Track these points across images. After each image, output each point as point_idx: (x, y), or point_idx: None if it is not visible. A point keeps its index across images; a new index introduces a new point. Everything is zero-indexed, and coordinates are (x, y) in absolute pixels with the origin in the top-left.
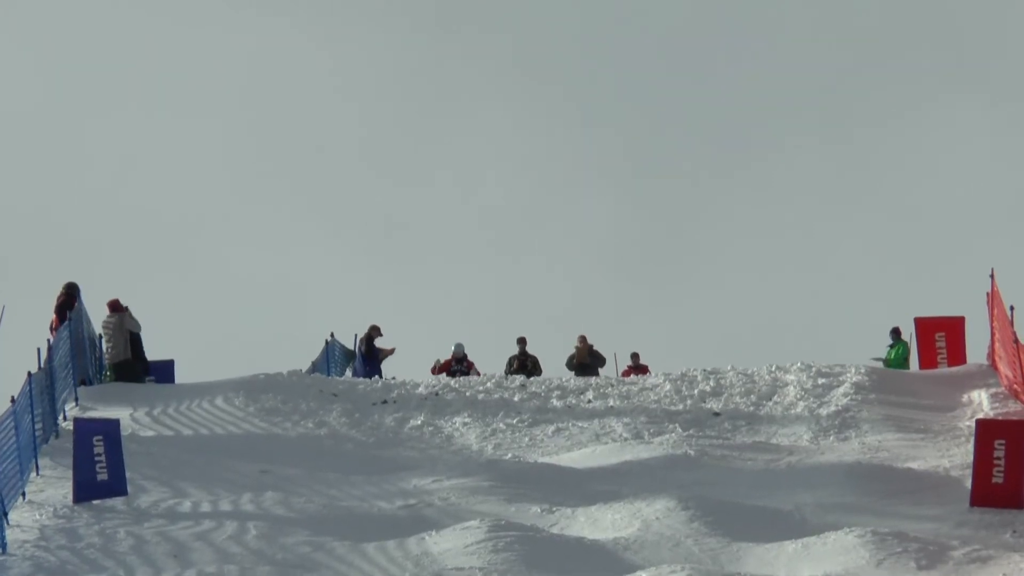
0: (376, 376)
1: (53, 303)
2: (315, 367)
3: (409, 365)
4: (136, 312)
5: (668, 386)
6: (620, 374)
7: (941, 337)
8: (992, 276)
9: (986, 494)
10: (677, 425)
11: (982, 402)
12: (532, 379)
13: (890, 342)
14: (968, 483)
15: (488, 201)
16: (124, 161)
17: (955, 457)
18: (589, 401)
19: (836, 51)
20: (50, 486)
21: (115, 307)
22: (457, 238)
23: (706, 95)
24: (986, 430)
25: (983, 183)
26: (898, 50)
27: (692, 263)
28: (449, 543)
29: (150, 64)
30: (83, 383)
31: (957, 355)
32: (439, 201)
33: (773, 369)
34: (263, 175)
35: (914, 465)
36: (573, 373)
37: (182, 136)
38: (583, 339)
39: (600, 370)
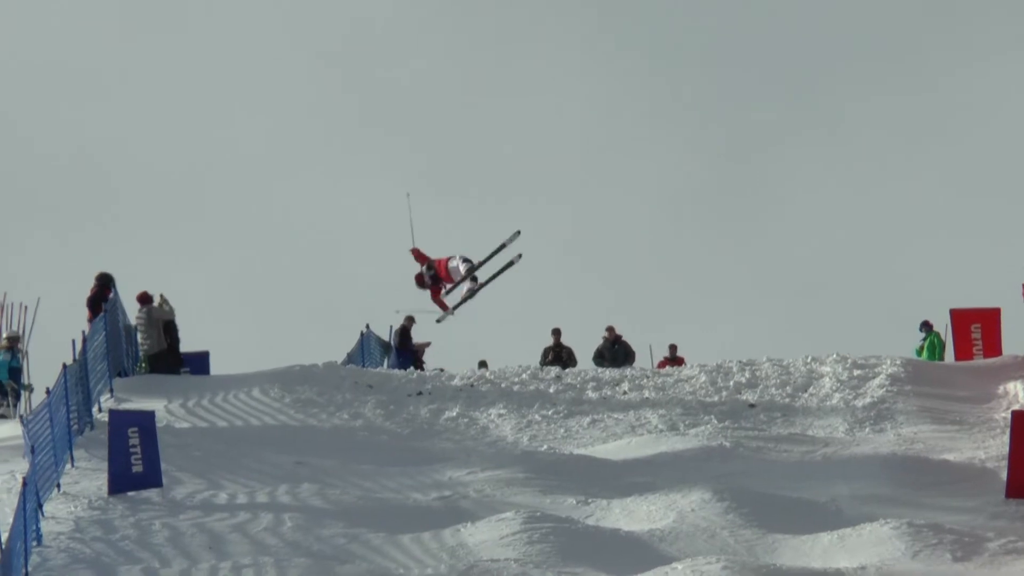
0: (411, 368)
1: (87, 294)
2: (350, 358)
3: (445, 357)
4: (173, 300)
5: (704, 377)
6: (656, 365)
7: (977, 329)
8: None
9: (1022, 486)
10: (712, 417)
11: (1018, 394)
12: (567, 370)
13: (922, 335)
14: (1003, 475)
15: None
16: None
17: (991, 449)
18: (624, 393)
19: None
20: (85, 478)
21: (143, 299)
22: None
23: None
24: (1022, 422)
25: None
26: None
27: (726, 256)
28: (484, 535)
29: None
30: (118, 375)
31: (993, 347)
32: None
33: (809, 360)
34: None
35: (949, 457)
36: (596, 365)
37: (210, 113)
38: (611, 330)
39: (629, 363)
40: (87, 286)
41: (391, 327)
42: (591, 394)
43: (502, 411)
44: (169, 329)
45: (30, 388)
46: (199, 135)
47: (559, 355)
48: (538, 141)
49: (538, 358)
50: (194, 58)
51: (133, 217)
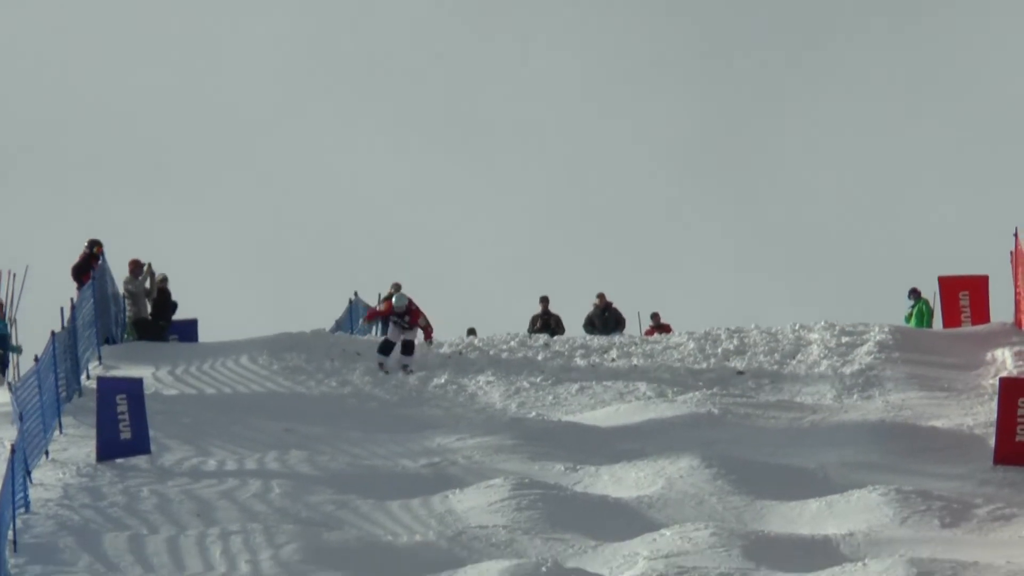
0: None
1: (76, 259)
2: (339, 326)
3: (433, 324)
4: (160, 266)
5: (692, 345)
6: (643, 333)
7: (965, 296)
8: (1016, 235)
9: (1010, 452)
10: (701, 384)
11: (1006, 360)
12: (555, 338)
13: (910, 303)
14: (992, 441)
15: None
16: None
17: (979, 415)
18: (613, 360)
19: None
20: (73, 445)
21: (135, 267)
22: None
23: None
24: (1010, 388)
25: (1009, 137)
26: None
27: (715, 223)
28: (473, 501)
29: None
30: (106, 342)
31: (981, 314)
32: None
33: (797, 328)
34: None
35: (938, 423)
36: (586, 332)
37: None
38: (601, 297)
39: (620, 330)
40: (77, 253)
41: (379, 295)
42: (579, 361)
43: (490, 378)
44: (164, 297)
45: (19, 350)
46: (188, 97)
47: (547, 323)
48: (530, 101)
49: (526, 326)
50: (183, 16)
51: (122, 183)
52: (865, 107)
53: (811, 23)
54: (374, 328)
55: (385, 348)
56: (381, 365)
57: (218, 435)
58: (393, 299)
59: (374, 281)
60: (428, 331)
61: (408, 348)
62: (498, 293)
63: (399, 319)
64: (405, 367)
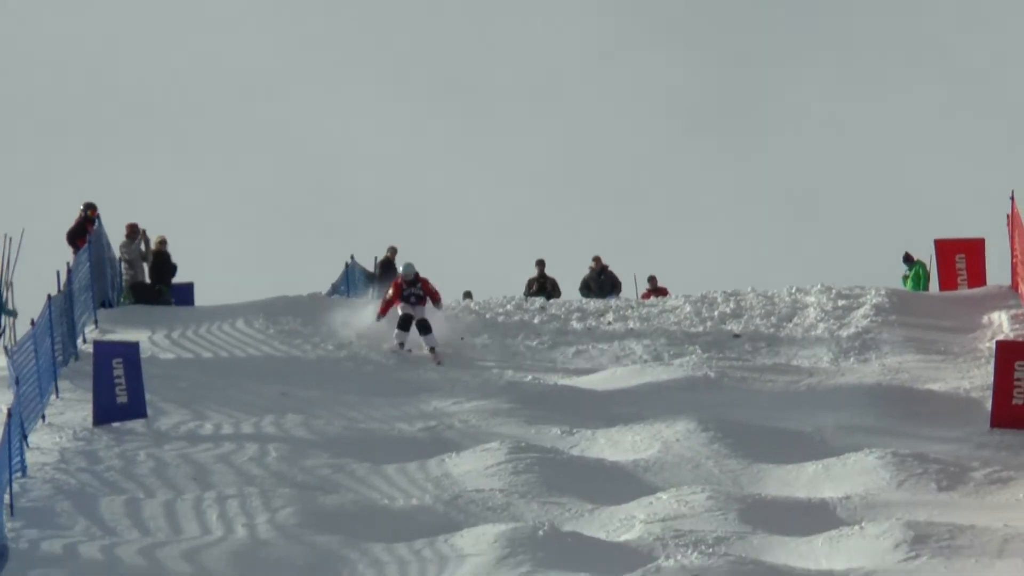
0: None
1: (72, 223)
2: (335, 289)
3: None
4: (155, 230)
5: (688, 308)
6: (639, 297)
7: (961, 259)
8: (1012, 198)
9: (1006, 415)
10: (697, 347)
11: (1002, 324)
12: (551, 301)
13: (905, 268)
14: (988, 404)
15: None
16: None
17: (975, 379)
18: (609, 323)
19: None
20: (70, 409)
21: (132, 231)
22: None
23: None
24: (1006, 352)
25: (1006, 99)
26: None
27: (711, 186)
28: (469, 465)
29: None
30: (103, 306)
31: (977, 277)
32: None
33: (793, 291)
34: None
35: (934, 387)
36: (582, 296)
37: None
38: (597, 260)
39: (616, 293)
40: (73, 217)
41: (375, 258)
42: (575, 325)
43: (487, 341)
44: (162, 260)
45: (14, 313)
46: (185, 59)
47: (543, 286)
48: (526, 62)
49: (522, 289)
50: None
51: (118, 146)
52: (861, 69)
53: None
54: (370, 291)
55: (404, 324)
56: (402, 345)
57: (214, 399)
58: (400, 270)
59: (371, 244)
60: (436, 297)
61: (426, 327)
62: (494, 257)
63: (410, 289)
64: (432, 350)
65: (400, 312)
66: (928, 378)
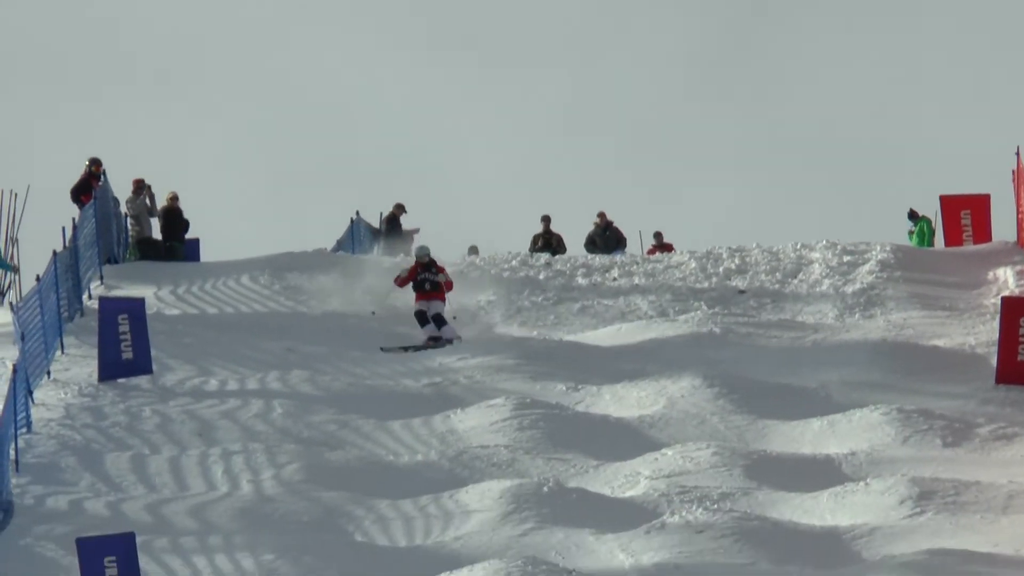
0: (401, 255)
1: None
2: (340, 245)
3: (434, 242)
4: (161, 185)
5: (693, 264)
6: (645, 252)
7: (967, 215)
8: (1018, 154)
9: (1011, 371)
10: (702, 303)
11: (1007, 279)
12: (557, 257)
13: (910, 224)
14: (993, 360)
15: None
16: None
17: (980, 335)
18: (614, 279)
19: None
20: (75, 365)
21: (139, 186)
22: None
23: None
24: (1011, 307)
25: (1011, 54)
26: None
27: (716, 142)
28: (474, 420)
29: None
30: (108, 261)
31: (983, 233)
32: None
33: (798, 247)
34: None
35: (939, 343)
36: (587, 251)
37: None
38: (602, 215)
39: (621, 249)
40: (79, 172)
41: (380, 214)
42: (581, 280)
43: (492, 297)
44: (173, 216)
45: (15, 269)
46: (189, 12)
47: (548, 242)
48: (532, 17)
49: (528, 245)
50: None
51: (124, 100)
52: (866, 25)
53: None
54: (375, 247)
55: (422, 319)
56: (433, 339)
57: (220, 355)
58: (415, 251)
59: (376, 199)
60: (449, 284)
61: (441, 321)
62: (500, 212)
63: (424, 274)
64: (450, 342)
65: (415, 307)
66: (933, 334)
